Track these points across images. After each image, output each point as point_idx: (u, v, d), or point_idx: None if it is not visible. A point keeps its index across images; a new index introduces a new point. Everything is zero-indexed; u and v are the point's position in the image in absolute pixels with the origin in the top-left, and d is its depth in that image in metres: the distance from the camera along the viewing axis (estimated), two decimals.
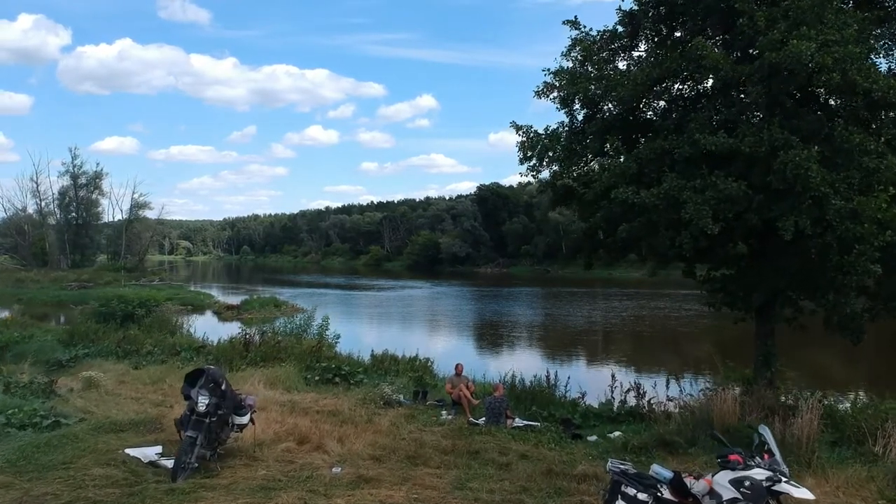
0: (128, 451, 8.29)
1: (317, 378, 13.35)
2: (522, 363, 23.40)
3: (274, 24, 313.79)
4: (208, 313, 43.04)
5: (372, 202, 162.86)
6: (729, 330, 35.23)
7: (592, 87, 11.08)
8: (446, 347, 27.40)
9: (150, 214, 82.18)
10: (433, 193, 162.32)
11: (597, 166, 11.54)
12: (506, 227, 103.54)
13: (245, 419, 8.30)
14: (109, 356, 16.26)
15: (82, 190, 76.61)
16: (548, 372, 13.37)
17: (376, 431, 9.85)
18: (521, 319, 38.56)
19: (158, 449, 8.40)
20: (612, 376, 11.85)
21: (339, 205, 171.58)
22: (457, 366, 12.34)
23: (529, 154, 11.87)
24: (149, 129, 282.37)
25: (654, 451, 8.90)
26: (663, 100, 11.38)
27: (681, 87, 11.26)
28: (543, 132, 11.96)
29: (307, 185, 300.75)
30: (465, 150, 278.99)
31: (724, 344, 30.51)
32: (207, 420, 7.69)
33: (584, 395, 12.42)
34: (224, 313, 40.65)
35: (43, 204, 74.77)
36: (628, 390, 11.51)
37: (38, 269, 67.14)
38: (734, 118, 9.96)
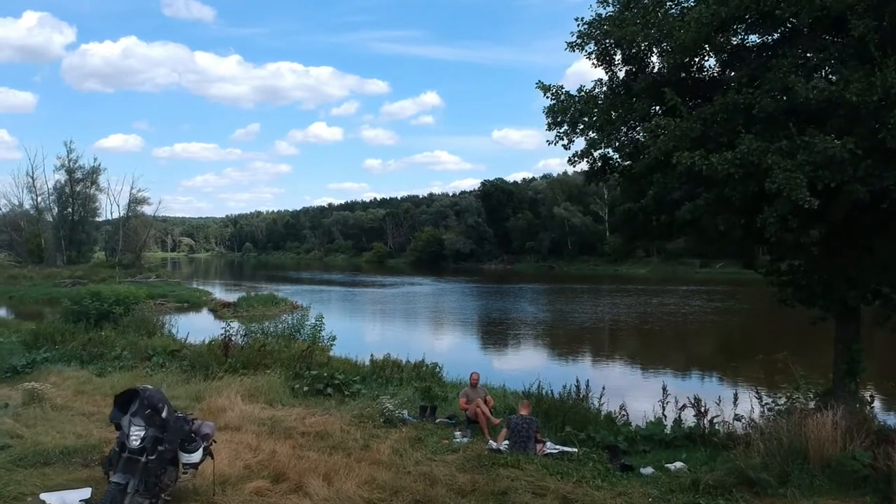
0: (44, 496, 6.28)
1: (306, 389, 11.30)
2: (543, 368, 21.26)
3: (278, 22, 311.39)
4: (204, 311, 41.46)
5: (375, 199, 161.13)
6: (735, 327, 33.75)
7: (640, 35, 8.96)
8: (454, 350, 25.35)
9: (147, 210, 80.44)
10: (437, 190, 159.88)
11: (642, 136, 9.40)
12: (510, 223, 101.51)
13: (196, 456, 6.23)
14: (73, 361, 14.24)
15: (79, 185, 74.83)
16: (577, 380, 11.26)
17: (374, 462, 7.81)
18: (532, 318, 36.53)
19: (86, 493, 6.38)
20: (664, 388, 9.72)
21: (342, 202, 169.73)
22: (472, 375, 10.28)
23: (560, 119, 9.78)
24: (153, 126, 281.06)
25: (734, 491, 6.84)
26: (726, 51, 9.24)
27: (748, 32, 9.12)
28: (577, 93, 9.88)
29: (311, 183, 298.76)
30: (469, 147, 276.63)
31: (731, 344, 28.90)
32: (143, 459, 5.66)
33: (624, 409, 10.32)
34: (220, 311, 39.06)
35: (39, 199, 73.08)
36: (683, 406, 9.39)
37: (32, 266, 65.59)
38: (826, 63, 7.86)
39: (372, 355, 14.50)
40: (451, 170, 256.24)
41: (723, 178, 7.59)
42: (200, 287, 59.33)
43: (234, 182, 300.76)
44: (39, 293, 47.84)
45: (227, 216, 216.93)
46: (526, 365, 22.17)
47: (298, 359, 12.61)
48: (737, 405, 9.08)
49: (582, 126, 9.64)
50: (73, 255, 72.58)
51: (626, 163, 9.92)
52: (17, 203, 74.14)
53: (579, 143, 9.85)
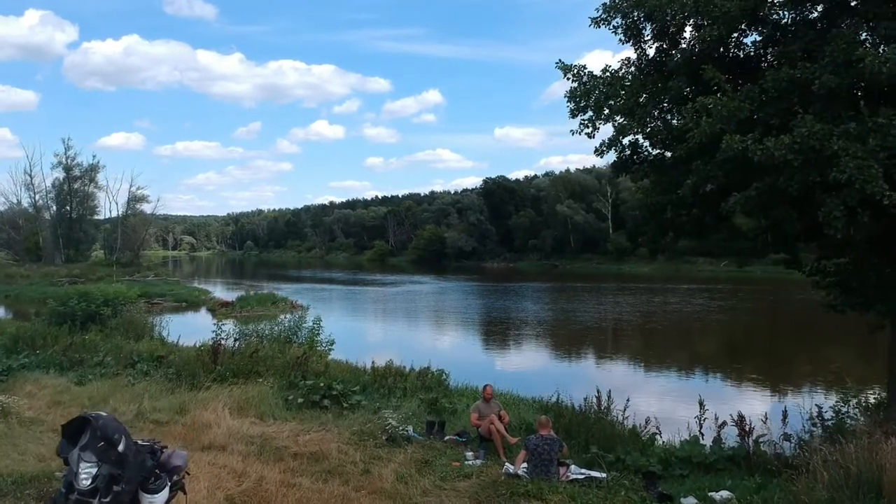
0: None
1: (300, 400, 10.29)
2: (552, 373, 20.32)
3: (280, 21, 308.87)
4: (202, 310, 40.64)
5: (376, 197, 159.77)
6: (738, 325, 32.85)
7: (676, 6, 7.95)
8: (458, 352, 24.33)
9: (145, 208, 79.57)
10: (438, 188, 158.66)
11: (677, 120, 8.39)
12: (512, 220, 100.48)
13: (161, 498, 5.18)
14: (52, 367, 13.26)
15: (76, 182, 73.92)
16: (598, 391, 10.22)
17: (375, 491, 6.81)
18: (538, 318, 35.49)
19: None
20: (700, 403, 8.68)
21: (344, 200, 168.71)
22: (485, 389, 9.25)
23: (583, 104, 8.79)
24: (155, 125, 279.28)
25: None
26: (771, 24, 8.23)
27: (793, 6, 8.09)
28: (601, 74, 8.88)
29: (312, 181, 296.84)
30: (471, 145, 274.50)
31: (732, 343, 27.98)
32: (95, 502, 4.66)
33: (653, 424, 9.27)
34: (218, 310, 38.24)
35: (37, 197, 72.21)
36: (723, 424, 8.36)
37: (30, 265, 64.82)
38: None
39: (373, 362, 13.46)
40: (453, 168, 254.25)
41: (779, 165, 6.58)
42: (199, 286, 58.56)
43: (236, 180, 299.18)
44: (36, 292, 47.01)
45: (228, 214, 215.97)
46: (535, 368, 21.20)
47: (293, 366, 11.60)
48: (786, 423, 8.02)
49: (608, 111, 8.65)
50: (71, 254, 71.71)
51: (657, 151, 8.92)
52: (15, 201, 73.39)
53: (603, 133, 8.88)
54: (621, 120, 8.55)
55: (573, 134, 8.84)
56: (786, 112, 6.97)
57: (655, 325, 32.11)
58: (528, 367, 21.62)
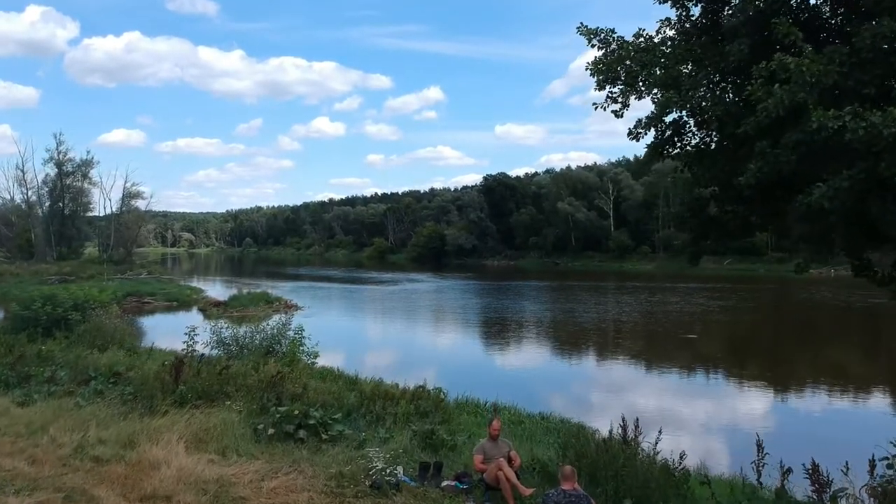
0: None
1: (271, 431, 8.68)
2: (560, 380, 18.81)
3: (282, 17, 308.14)
4: (194, 310, 39.23)
5: (376, 194, 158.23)
6: (742, 325, 31.49)
7: None
8: (458, 358, 22.65)
9: (140, 205, 77.99)
10: (439, 185, 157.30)
11: (728, 95, 6.77)
12: (513, 218, 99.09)
13: None
14: None
15: (69, 178, 72.30)
16: (623, 420, 8.57)
17: None
18: (540, 319, 33.86)
19: None
20: (759, 445, 7.05)
21: (344, 197, 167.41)
22: (491, 425, 7.62)
23: (612, 76, 7.17)
24: (156, 121, 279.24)
25: None
26: None
27: None
28: (634, 39, 7.26)
29: (313, 178, 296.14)
30: (472, 142, 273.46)
31: (736, 344, 26.51)
32: None
33: (702, 471, 7.62)
34: (209, 310, 36.87)
35: (30, 193, 70.64)
36: (787, 470, 6.73)
37: (20, 262, 63.34)
38: None
39: (359, 376, 11.84)
40: (454, 165, 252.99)
41: (883, 147, 4.97)
42: (193, 284, 57.22)
43: (237, 177, 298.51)
44: (24, 291, 45.61)
45: (227, 211, 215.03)
46: (537, 374, 19.68)
47: (267, 387, 9.98)
48: (873, 476, 6.38)
49: (644, 83, 7.02)
50: (63, 251, 70.19)
51: (703, 133, 7.31)
52: (8, 197, 71.99)
53: (631, 112, 7.27)
54: (661, 94, 6.92)
55: (595, 109, 7.26)
56: (884, 79, 5.36)
57: (657, 326, 30.59)
58: (530, 372, 20.08)
